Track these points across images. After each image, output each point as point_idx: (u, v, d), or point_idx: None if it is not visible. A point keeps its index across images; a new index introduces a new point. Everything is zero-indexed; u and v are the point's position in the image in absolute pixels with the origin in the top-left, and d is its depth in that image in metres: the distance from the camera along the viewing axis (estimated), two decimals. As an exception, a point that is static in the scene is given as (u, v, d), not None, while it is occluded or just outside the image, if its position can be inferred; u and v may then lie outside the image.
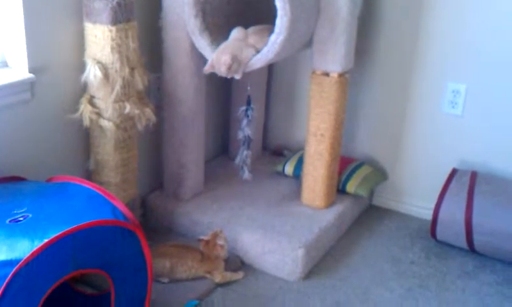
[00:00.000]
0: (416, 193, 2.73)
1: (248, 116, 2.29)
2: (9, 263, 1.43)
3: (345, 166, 2.64)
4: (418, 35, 2.52)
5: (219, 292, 2.14)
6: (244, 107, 2.29)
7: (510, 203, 2.31)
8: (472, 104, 2.50)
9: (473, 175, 2.44)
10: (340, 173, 2.57)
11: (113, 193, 1.94)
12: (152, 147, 2.51)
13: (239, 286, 2.18)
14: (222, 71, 2.06)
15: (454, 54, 2.48)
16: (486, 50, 2.41)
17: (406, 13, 2.53)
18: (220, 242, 2.17)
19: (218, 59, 2.07)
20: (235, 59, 2.05)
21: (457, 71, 2.49)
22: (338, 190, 2.58)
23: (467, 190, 2.37)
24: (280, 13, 1.99)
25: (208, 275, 2.17)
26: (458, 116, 2.53)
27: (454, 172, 2.50)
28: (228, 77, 2.09)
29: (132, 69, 2.03)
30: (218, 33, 2.19)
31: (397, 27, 2.57)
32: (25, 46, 1.93)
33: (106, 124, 2.04)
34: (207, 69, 2.12)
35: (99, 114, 2.04)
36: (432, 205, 2.43)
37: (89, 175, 2.17)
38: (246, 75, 2.15)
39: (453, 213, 2.36)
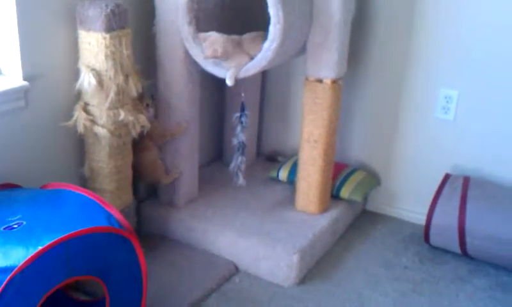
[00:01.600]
0: (409, 198, 2.74)
1: (242, 123, 2.30)
2: (3, 271, 1.44)
3: (339, 172, 2.65)
4: (411, 41, 2.54)
5: (213, 298, 2.14)
6: (238, 114, 2.29)
7: (502, 207, 2.32)
8: (464, 110, 2.51)
9: (466, 180, 2.46)
10: (334, 179, 2.58)
11: (108, 200, 1.95)
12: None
13: (233, 292, 2.19)
14: (207, 53, 2.10)
15: (447, 60, 2.50)
16: (478, 56, 2.43)
17: (398, 19, 2.55)
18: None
19: (213, 42, 2.09)
20: (224, 55, 2.08)
21: (450, 77, 2.51)
22: (332, 195, 2.59)
23: (460, 195, 2.38)
24: (273, 20, 2.00)
25: None
26: (450, 122, 2.55)
27: (446, 177, 2.52)
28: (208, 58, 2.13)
29: (126, 76, 2.04)
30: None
31: (390, 34, 2.59)
32: (19, 53, 1.93)
33: (100, 131, 2.04)
34: (199, 36, 2.15)
35: (93, 121, 2.05)
36: (426, 210, 2.44)
37: (83, 182, 2.17)
38: (240, 81, 2.16)
39: (446, 218, 2.37)
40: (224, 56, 2.08)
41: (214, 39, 2.09)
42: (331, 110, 2.32)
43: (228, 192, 2.61)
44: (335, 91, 2.30)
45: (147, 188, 2.56)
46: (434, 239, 2.45)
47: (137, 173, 2.30)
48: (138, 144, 2.27)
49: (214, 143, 2.95)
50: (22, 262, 1.44)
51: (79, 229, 1.57)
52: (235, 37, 2.18)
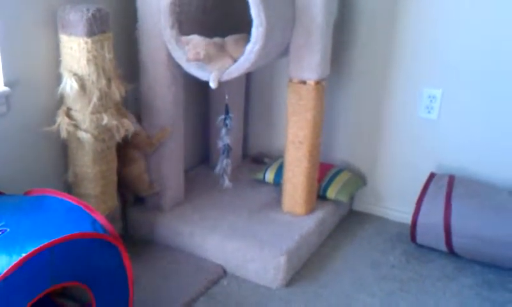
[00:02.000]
0: (395, 197, 2.75)
1: (226, 125, 2.29)
2: (-14, 279, 1.42)
3: (325, 172, 2.65)
4: (394, 41, 2.55)
5: (201, 302, 2.13)
6: (222, 116, 2.29)
7: (487, 205, 2.34)
8: (448, 109, 2.53)
9: (451, 179, 2.47)
10: (320, 180, 2.58)
11: (93, 205, 1.94)
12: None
13: (221, 295, 2.18)
14: (189, 56, 2.10)
15: (430, 60, 2.51)
16: (461, 55, 2.44)
17: (381, 20, 2.56)
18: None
19: (195, 45, 2.09)
20: (206, 58, 2.08)
21: (433, 77, 2.52)
22: (319, 196, 2.59)
23: (445, 193, 2.40)
24: (255, 22, 2.00)
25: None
26: (434, 121, 2.57)
27: (431, 176, 2.53)
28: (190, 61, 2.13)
29: (108, 80, 2.03)
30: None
31: (372, 34, 2.60)
32: (0, 59, 1.91)
33: (84, 136, 2.03)
34: (181, 40, 2.14)
35: (76, 126, 2.03)
36: (412, 209, 2.45)
37: (68, 187, 2.16)
38: (224, 84, 2.16)
39: (432, 217, 2.38)
40: (207, 59, 2.08)
41: (196, 42, 2.09)
42: (315, 112, 2.32)
43: (215, 195, 2.60)
44: (319, 92, 2.31)
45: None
46: (420, 238, 2.46)
47: (122, 183, 2.30)
48: (125, 157, 2.27)
49: (199, 146, 2.95)
50: (5, 270, 1.43)
51: (64, 235, 1.55)
52: (217, 40, 2.18)
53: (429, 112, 2.56)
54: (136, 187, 2.39)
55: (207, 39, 2.12)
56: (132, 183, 2.36)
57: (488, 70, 2.41)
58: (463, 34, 2.42)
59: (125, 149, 2.27)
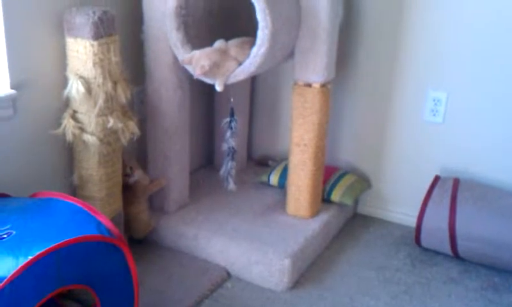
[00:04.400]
0: (400, 201, 2.75)
1: (231, 128, 2.30)
2: (-7, 281, 1.42)
3: (329, 175, 2.65)
4: (399, 44, 2.55)
5: (206, 304, 2.13)
6: (227, 119, 2.29)
7: (492, 208, 2.33)
8: (453, 112, 2.53)
9: (456, 182, 2.47)
10: (324, 182, 2.58)
11: (98, 208, 1.93)
12: (137, 161, 2.50)
13: (225, 298, 2.18)
14: (196, 72, 2.08)
15: (435, 63, 2.51)
16: (466, 58, 2.44)
17: (386, 23, 2.56)
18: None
19: (198, 59, 2.08)
20: (214, 67, 2.07)
21: (438, 80, 2.52)
22: (323, 199, 2.59)
23: (450, 197, 2.39)
24: (261, 25, 2.00)
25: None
26: (439, 124, 2.56)
27: (436, 179, 2.53)
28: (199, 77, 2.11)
29: (114, 83, 2.03)
30: (200, 46, 2.20)
31: (377, 37, 2.60)
32: (6, 62, 1.92)
33: (89, 138, 2.03)
34: (184, 60, 2.14)
35: (82, 129, 2.03)
36: (416, 212, 2.45)
37: (73, 190, 2.16)
38: (229, 87, 2.16)
39: (437, 220, 2.38)
40: (214, 68, 2.07)
41: (199, 56, 2.08)
42: (320, 114, 2.32)
43: (219, 198, 2.61)
44: (324, 95, 2.31)
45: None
46: (425, 241, 2.46)
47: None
48: (126, 197, 2.29)
49: (204, 149, 2.95)
50: (12, 272, 1.43)
51: (69, 238, 1.55)
52: (219, 45, 2.17)
53: (434, 115, 2.56)
54: (132, 226, 2.37)
55: (207, 49, 2.12)
56: (128, 222, 2.34)
57: (494, 73, 2.41)
58: (468, 37, 2.42)
59: (124, 191, 2.28)
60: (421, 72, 2.54)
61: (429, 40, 2.49)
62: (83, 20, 1.92)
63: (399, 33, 2.54)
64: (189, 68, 2.15)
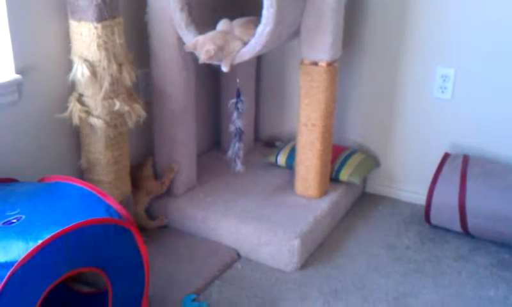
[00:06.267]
0: (409, 179, 2.74)
1: (238, 109, 2.28)
2: (4, 266, 1.42)
3: (337, 155, 2.64)
4: (406, 21, 2.52)
5: (216, 285, 2.14)
6: (234, 100, 2.28)
7: (502, 184, 2.32)
8: (461, 88, 2.50)
9: (465, 159, 2.45)
10: (332, 162, 2.57)
11: (106, 191, 1.94)
12: (143, 143, 2.50)
13: (235, 278, 2.18)
14: (202, 57, 2.06)
15: (442, 39, 2.48)
16: (474, 33, 2.41)
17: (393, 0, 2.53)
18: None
19: (203, 44, 2.06)
20: (219, 51, 2.05)
21: (446, 56, 2.49)
22: (332, 178, 2.58)
23: (459, 174, 2.38)
24: (266, 3, 1.98)
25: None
26: (448, 101, 2.54)
27: (446, 156, 2.51)
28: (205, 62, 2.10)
29: (119, 65, 2.02)
30: (204, 26, 2.18)
31: (384, 14, 2.57)
32: (10, 46, 1.91)
33: (96, 122, 2.02)
34: (188, 47, 2.12)
35: (88, 112, 2.03)
36: (426, 190, 2.43)
37: (81, 174, 2.16)
38: (235, 67, 2.15)
39: (446, 198, 2.37)
40: (219, 51, 2.05)
41: (203, 41, 2.06)
42: (327, 93, 2.30)
43: (227, 179, 2.60)
44: (331, 73, 2.29)
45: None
46: (434, 219, 2.45)
47: None
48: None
49: (211, 130, 2.94)
50: (22, 257, 1.43)
51: (79, 222, 1.55)
52: (223, 26, 2.15)
53: (442, 92, 2.54)
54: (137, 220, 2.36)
55: (210, 33, 2.10)
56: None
57: (502, 48, 2.38)
58: (475, 12, 2.39)
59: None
60: (429, 49, 2.52)
61: (436, 16, 2.46)
62: (86, 2, 1.91)
63: (406, 10, 2.51)
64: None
